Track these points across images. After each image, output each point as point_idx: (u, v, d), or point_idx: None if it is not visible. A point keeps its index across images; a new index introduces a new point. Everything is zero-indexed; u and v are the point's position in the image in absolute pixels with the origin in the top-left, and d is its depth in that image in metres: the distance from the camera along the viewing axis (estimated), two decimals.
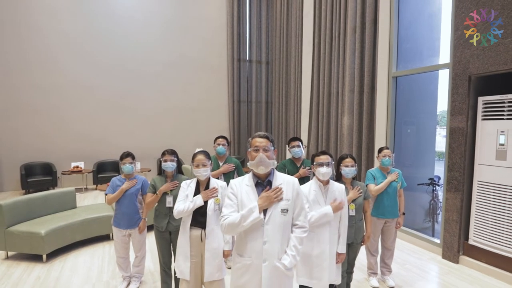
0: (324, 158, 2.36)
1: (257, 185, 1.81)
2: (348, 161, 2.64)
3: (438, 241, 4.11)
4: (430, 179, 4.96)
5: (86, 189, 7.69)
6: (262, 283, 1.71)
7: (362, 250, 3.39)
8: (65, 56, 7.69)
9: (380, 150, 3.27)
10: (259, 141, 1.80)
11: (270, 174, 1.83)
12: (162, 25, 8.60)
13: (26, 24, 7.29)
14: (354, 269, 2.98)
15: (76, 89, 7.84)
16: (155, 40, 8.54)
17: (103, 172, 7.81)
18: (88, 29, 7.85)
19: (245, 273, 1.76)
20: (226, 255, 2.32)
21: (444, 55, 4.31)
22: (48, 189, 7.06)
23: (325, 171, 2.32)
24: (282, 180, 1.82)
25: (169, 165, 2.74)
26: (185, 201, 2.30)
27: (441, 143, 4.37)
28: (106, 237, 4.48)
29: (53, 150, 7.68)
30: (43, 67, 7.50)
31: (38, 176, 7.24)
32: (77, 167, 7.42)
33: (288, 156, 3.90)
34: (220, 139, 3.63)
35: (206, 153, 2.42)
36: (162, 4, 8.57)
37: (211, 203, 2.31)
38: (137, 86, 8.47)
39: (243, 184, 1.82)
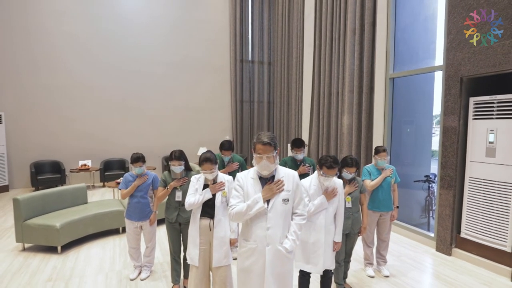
0: (332, 173, 2.45)
1: (261, 177, 2.02)
2: (352, 170, 2.83)
3: (432, 234, 4.31)
4: (426, 176, 5.15)
5: (94, 187, 7.93)
6: (266, 264, 1.93)
7: (359, 242, 3.59)
8: (72, 57, 7.91)
9: (377, 151, 3.41)
10: (263, 149, 1.92)
11: None
12: (166, 27, 8.80)
13: (34, 27, 7.52)
14: (352, 259, 3.19)
15: (83, 89, 8.07)
16: (159, 42, 8.75)
17: (110, 170, 8.04)
18: (95, 32, 8.07)
19: (250, 256, 1.98)
20: (232, 243, 2.54)
21: (439, 57, 4.49)
22: (56, 186, 7.29)
23: (329, 183, 2.51)
24: (283, 173, 2.03)
25: (177, 169, 2.93)
26: (195, 194, 2.52)
27: (437, 142, 4.56)
28: (116, 231, 4.71)
29: (61, 149, 7.92)
30: (51, 69, 7.73)
31: (47, 174, 7.49)
32: (85, 165, 7.67)
33: (289, 153, 4.10)
34: (226, 151, 3.80)
35: (211, 157, 2.53)
36: (167, 7, 8.77)
37: (218, 196, 2.53)
38: (142, 87, 8.68)
39: (249, 177, 2.04)
